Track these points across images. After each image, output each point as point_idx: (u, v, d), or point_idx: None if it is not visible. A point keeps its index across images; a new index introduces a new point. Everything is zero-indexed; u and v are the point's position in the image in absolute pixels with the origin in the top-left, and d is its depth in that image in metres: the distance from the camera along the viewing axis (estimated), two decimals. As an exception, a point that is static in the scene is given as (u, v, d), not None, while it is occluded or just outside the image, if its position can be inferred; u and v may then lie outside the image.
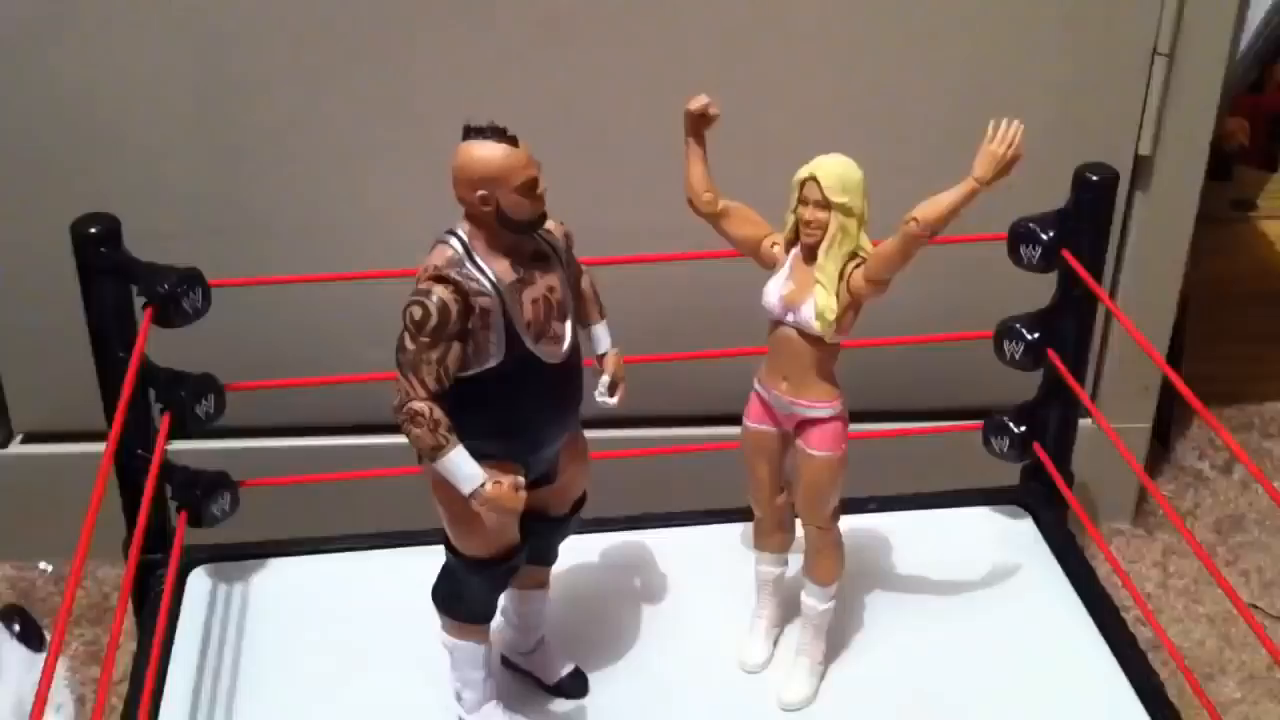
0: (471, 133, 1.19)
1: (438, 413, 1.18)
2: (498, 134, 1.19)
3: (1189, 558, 2.07)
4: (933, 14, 1.77)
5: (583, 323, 1.37)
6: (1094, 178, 1.60)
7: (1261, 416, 2.38)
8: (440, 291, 1.17)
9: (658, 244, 1.61)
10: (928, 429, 1.81)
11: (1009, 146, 1.22)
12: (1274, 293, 2.30)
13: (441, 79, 1.75)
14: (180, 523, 1.54)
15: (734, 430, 1.38)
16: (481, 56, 1.74)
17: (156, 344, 1.47)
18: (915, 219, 1.24)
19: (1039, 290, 1.60)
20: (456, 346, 1.19)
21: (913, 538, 1.62)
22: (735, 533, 1.61)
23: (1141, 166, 1.88)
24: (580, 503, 1.41)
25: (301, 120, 1.78)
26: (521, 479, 1.22)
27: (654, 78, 1.74)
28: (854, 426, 1.32)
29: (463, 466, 1.19)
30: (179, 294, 1.43)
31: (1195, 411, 1.32)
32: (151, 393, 1.47)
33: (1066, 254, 1.57)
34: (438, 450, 1.18)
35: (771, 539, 1.43)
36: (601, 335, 1.38)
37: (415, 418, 1.18)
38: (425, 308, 1.17)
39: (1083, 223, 1.60)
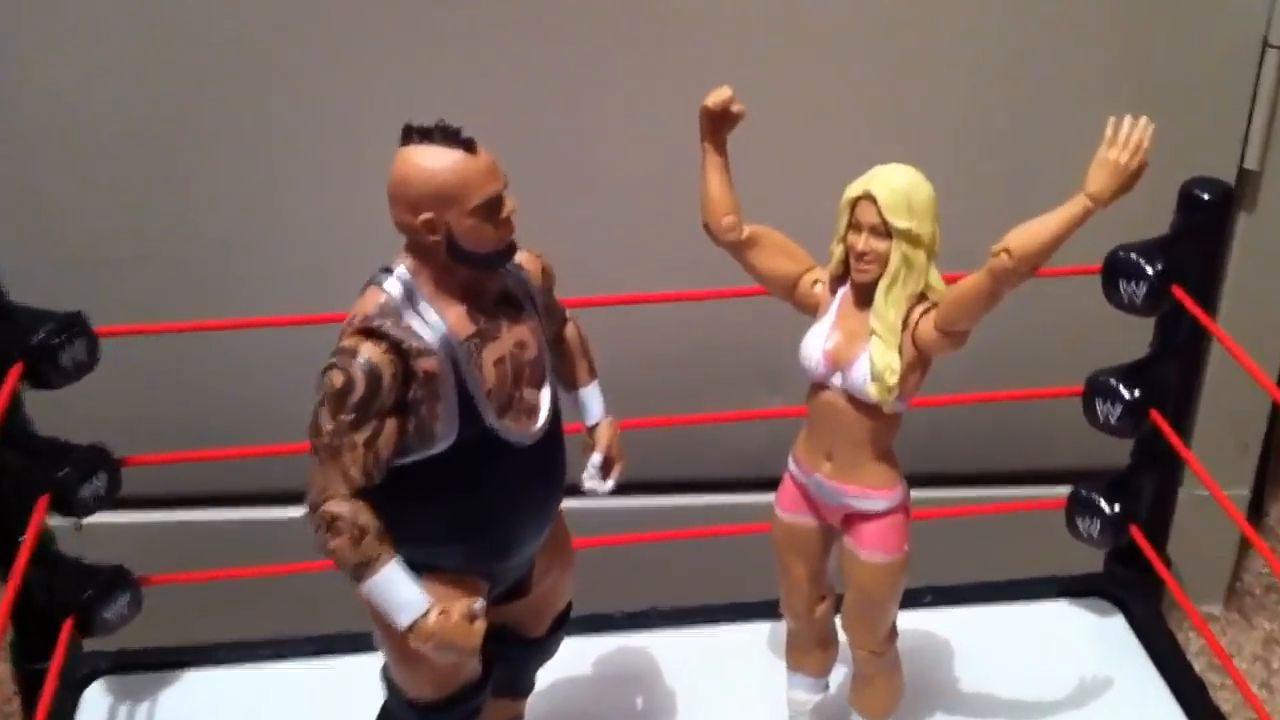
0: (414, 135, 0.91)
1: (364, 516, 0.92)
2: (448, 137, 0.91)
3: None
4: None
5: (567, 385, 1.11)
6: (1205, 196, 1.36)
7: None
8: (369, 351, 0.90)
9: (663, 279, 1.40)
10: (997, 507, 1.54)
11: (1134, 153, 0.96)
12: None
13: (388, 81, 1.55)
14: (65, 631, 1.30)
15: (764, 500, 1.17)
16: (433, 57, 1.56)
17: (35, 407, 1.27)
18: (1008, 250, 0.98)
19: (1117, 330, 1.39)
20: (391, 425, 0.92)
21: (978, 639, 1.43)
22: (764, 635, 1.41)
23: (1246, 183, 1.66)
24: (563, 619, 1.15)
25: (222, 133, 1.58)
26: (479, 603, 0.97)
27: (656, 70, 1.55)
28: None
29: (397, 591, 0.93)
30: (56, 345, 1.22)
31: None
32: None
33: (1178, 291, 1.27)
34: (363, 569, 0.93)
35: (809, 657, 1.23)
36: (592, 401, 1.12)
37: (332, 523, 0.92)
38: (348, 374, 0.90)
39: (1192, 251, 1.36)
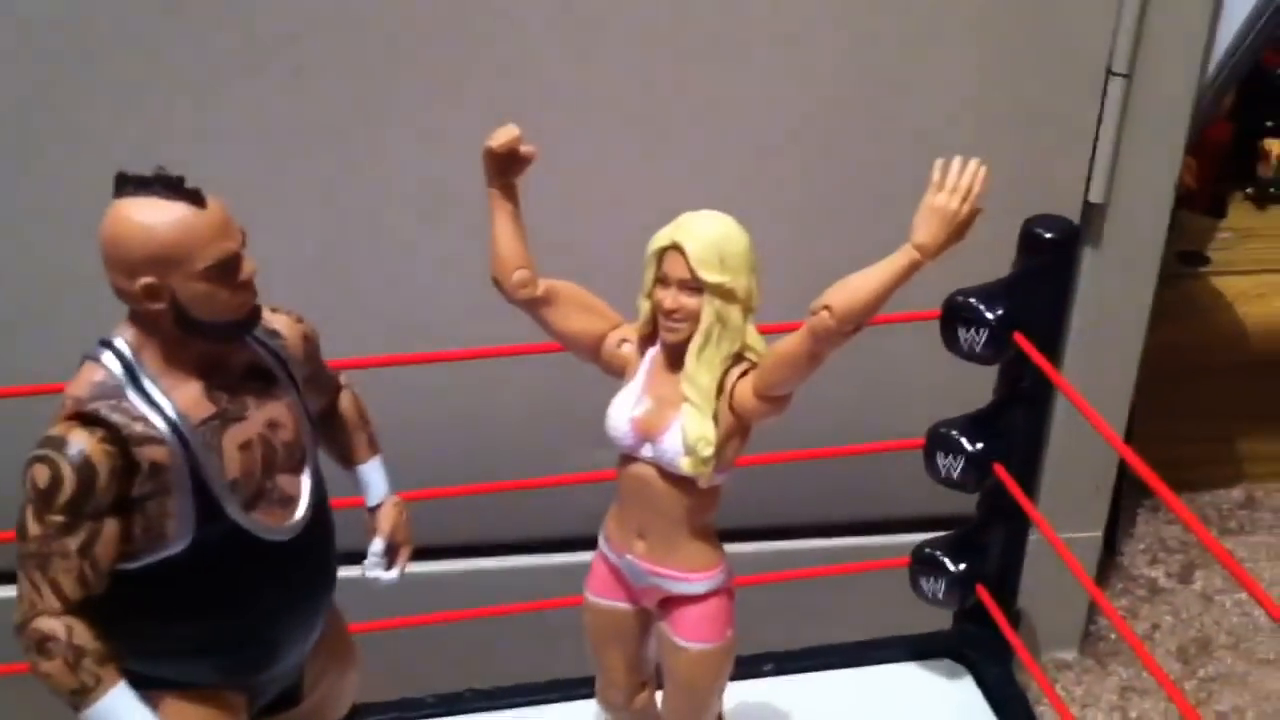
0: (127, 186, 0.76)
1: (81, 635, 0.79)
2: (170, 187, 0.76)
3: (1153, 696, 1.72)
4: (831, 24, 1.44)
5: (344, 462, 0.98)
6: (1048, 235, 1.29)
7: (1218, 508, 2.04)
8: (81, 440, 0.77)
9: (445, 337, 1.24)
10: (838, 568, 1.44)
11: (964, 199, 0.86)
12: (1232, 364, 1.98)
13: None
14: None
15: (582, 560, 1.06)
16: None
17: None
18: (828, 307, 0.87)
19: (963, 373, 1.29)
20: (112, 526, 0.79)
21: (821, 708, 1.35)
22: (591, 714, 1.25)
23: (1092, 217, 1.56)
24: None
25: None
26: None
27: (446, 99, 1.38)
28: (734, 551, 1.02)
29: (123, 717, 0.79)
30: None
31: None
32: None
33: (1020, 339, 1.18)
34: (83, 695, 0.80)
35: None
36: (373, 478, 1.00)
37: (44, 644, 0.78)
38: (56, 469, 0.77)
39: (1035, 294, 1.28)
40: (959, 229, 0.86)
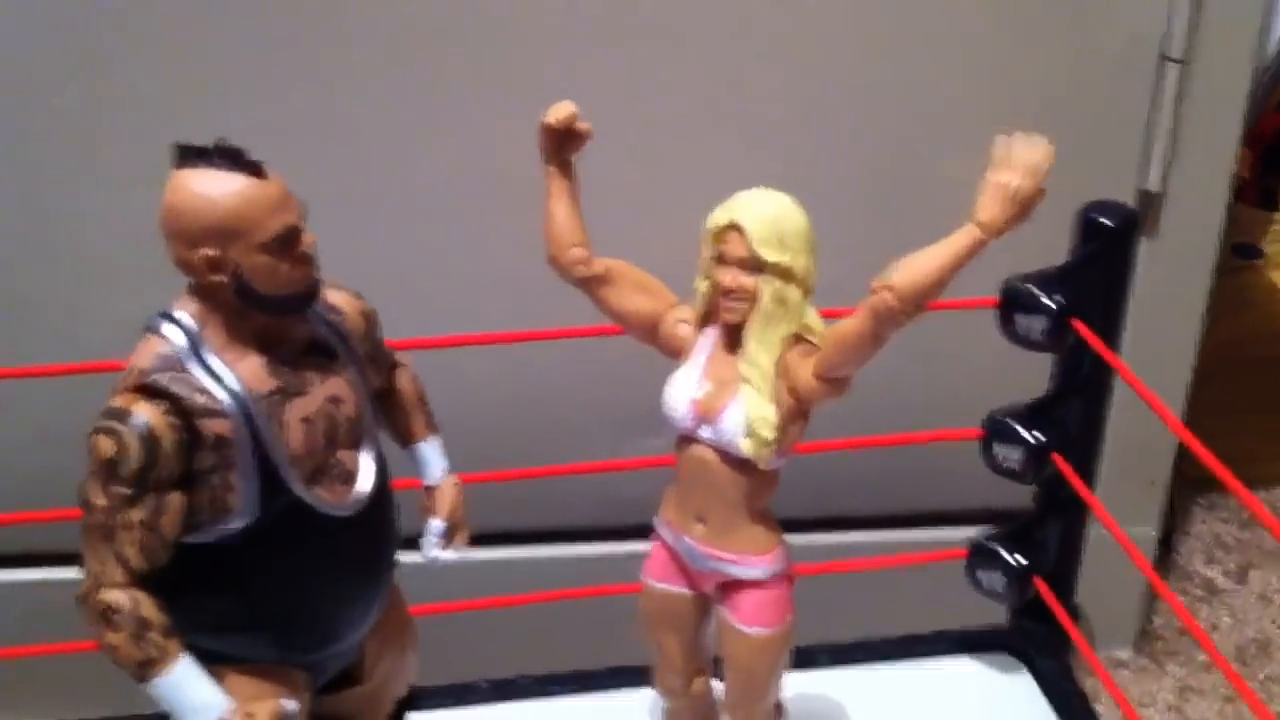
0: (188, 157, 0.76)
1: (146, 608, 0.79)
2: (230, 159, 0.76)
3: (1210, 697, 1.71)
4: (890, 11, 1.45)
5: (401, 441, 0.98)
6: (1106, 222, 1.26)
7: (1273, 506, 2.03)
8: (145, 412, 0.78)
9: (504, 317, 1.25)
10: (893, 559, 1.43)
11: (1029, 176, 0.84)
12: (1288, 358, 1.96)
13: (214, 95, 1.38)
14: None
15: (639, 549, 1.05)
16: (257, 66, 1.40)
17: None
18: (890, 286, 0.86)
19: (1018, 361, 1.28)
20: (176, 499, 0.79)
21: (876, 700, 1.33)
22: (645, 702, 1.24)
23: (1148, 205, 1.57)
24: (405, 704, 1.03)
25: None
26: (290, 703, 0.84)
27: (497, 84, 1.41)
28: (791, 541, 1.01)
29: (188, 693, 0.80)
30: None
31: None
32: None
33: (1078, 325, 1.16)
34: (147, 669, 0.80)
35: None
36: (431, 458, 1.00)
37: (109, 615, 0.78)
38: (120, 440, 0.77)
39: (1093, 282, 1.26)
40: (1024, 207, 0.84)
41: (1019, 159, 0.84)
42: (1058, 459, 1.27)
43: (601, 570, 1.34)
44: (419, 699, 1.09)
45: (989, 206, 0.84)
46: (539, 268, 0.97)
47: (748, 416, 0.91)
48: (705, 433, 0.94)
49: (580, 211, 0.94)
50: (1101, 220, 1.25)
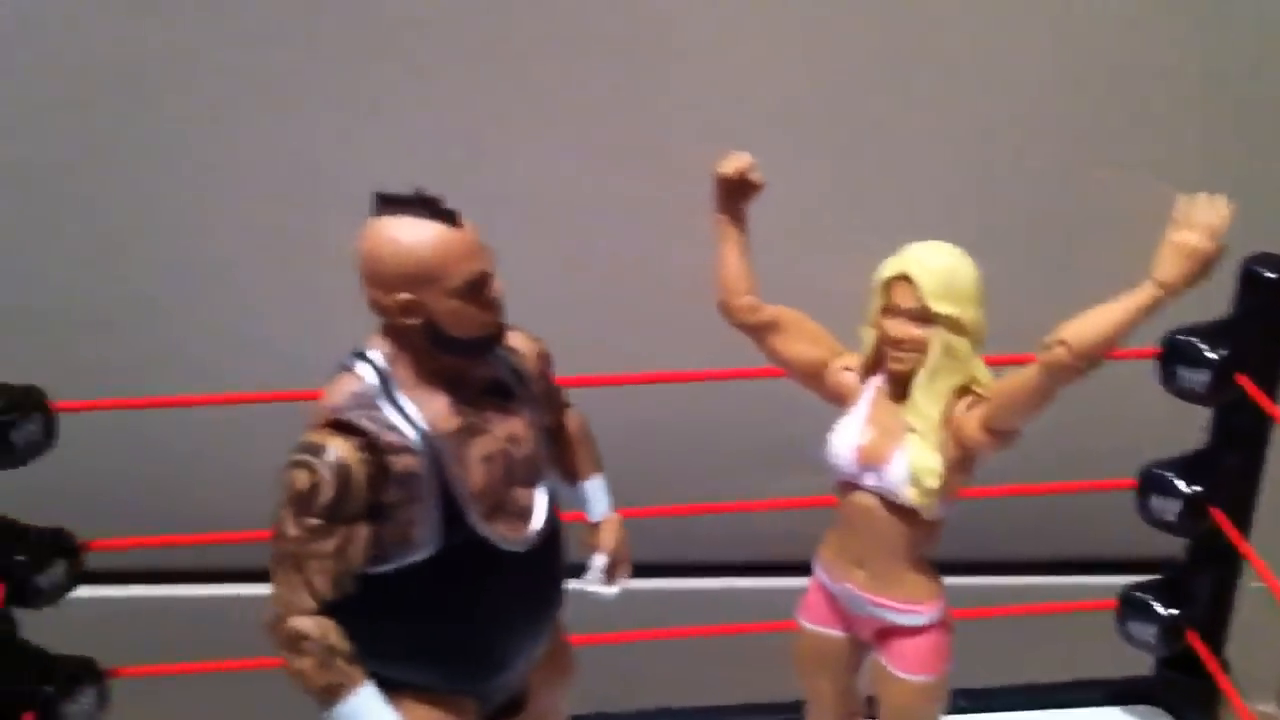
0: (387, 205, 0.79)
1: (333, 636, 0.82)
2: (427, 207, 0.79)
3: None
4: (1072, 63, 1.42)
5: (568, 479, 1.00)
6: (1269, 275, 1.23)
7: None
8: (339, 447, 0.80)
9: (668, 357, 1.26)
10: (1042, 606, 1.40)
11: (1209, 237, 0.85)
12: None
13: (354, 137, 1.40)
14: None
15: (782, 586, 1.07)
16: (405, 109, 1.41)
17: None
18: (1065, 342, 0.86)
19: (1163, 414, 1.26)
20: (364, 531, 0.82)
21: None
22: None
23: None
24: None
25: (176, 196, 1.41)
26: None
27: (655, 135, 1.41)
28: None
29: (369, 716, 0.83)
30: (7, 423, 1.09)
31: None
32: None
33: (1243, 380, 1.15)
34: (332, 693, 0.82)
35: None
36: (596, 496, 1.01)
37: (297, 642, 0.81)
38: (314, 473, 0.80)
39: (1257, 335, 1.24)
40: (1203, 267, 0.84)
41: (1200, 219, 0.85)
42: (1215, 512, 1.25)
43: (745, 604, 1.34)
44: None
45: (1169, 266, 0.84)
46: (698, 308, 0.99)
47: (913, 465, 0.92)
48: (869, 480, 0.95)
49: (749, 260, 0.95)
50: (1264, 273, 1.23)
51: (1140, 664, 1.41)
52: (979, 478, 1.24)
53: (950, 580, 1.45)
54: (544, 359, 0.92)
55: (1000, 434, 0.91)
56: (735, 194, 0.94)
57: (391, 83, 1.38)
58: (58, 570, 1.15)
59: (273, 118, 1.40)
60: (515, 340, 0.90)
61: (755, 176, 0.93)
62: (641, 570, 1.30)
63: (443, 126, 1.40)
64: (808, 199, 1.41)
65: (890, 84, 1.43)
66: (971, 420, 0.91)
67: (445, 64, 1.38)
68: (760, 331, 0.97)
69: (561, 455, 0.98)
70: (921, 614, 0.97)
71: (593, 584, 0.99)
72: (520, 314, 0.91)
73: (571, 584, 0.96)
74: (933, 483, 0.91)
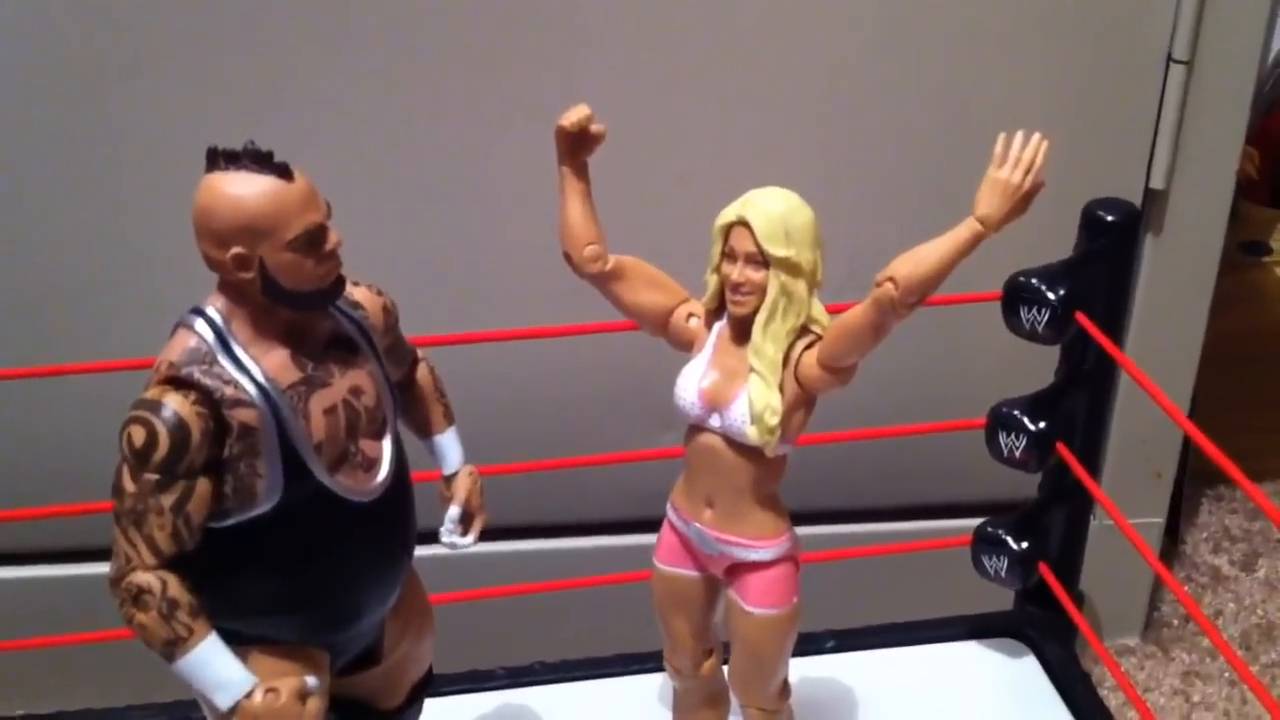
0: (219, 159, 0.79)
1: (175, 589, 0.82)
2: (259, 161, 0.80)
3: (1216, 682, 1.72)
4: (902, 11, 1.46)
5: (420, 432, 1.01)
6: (1109, 218, 1.30)
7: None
8: (175, 403, 0.80)
9: (520, 313, 1.27)
10: (900, 546, 1.44)
11: (1028, 171, 0.87)
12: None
13: (258, 104, 1.41)
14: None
15: (647, 540, 1.08)
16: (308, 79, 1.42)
17: None
18: (893, 279, 0.89)
19: (1021, 357, 1.31)
20: (204, 485, 0.82)
21: (883, 684, 1.35)
22: (656, 687, 1.30)
23: (1153, 203, 1.57)
24: (421, 686, 1.04)
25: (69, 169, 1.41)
26: (312, 680, 0.87)
27: (525, 88, 1.42)
28: (800, 532, 1.04)
29: (214, 669, 0.83)
30: None
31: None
32: None
33: (1082, 318, 1.18)
34: (174, 647, 0.82)
35: (697, 716, 1.13)
36: (448, 449, 1.02)
37: (139, 597, 0.82)
38: (151, 429, 0.80)
39: (1097, 276, 1.29)
40: (1021, 202, 0.88)
41: (1018, 156, 0.88)
42: (1062, 448, 1.29)
43: (618, 562, 1.36)
44: (436, 685, 1.11)
45: (988, 201, 0.88)
46: (555, 264, 1.00)
47: (754, 405, 0.94)
48: (714, 421, 0.97)
49: (594, 210, 0.97)
50: (1104, 216, 1.28)
51: (1005, 603, 1.45)
52: (840, 426, 1.27)
53: (817, 529, 1.49)
54: (389, 313, 0.93)
55: (836, 370, 0.93)
56: (576, 146, 0.95)
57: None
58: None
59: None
60: (359, 294, 0.91)
61: (596, 128, 0.94)
62: (507, 531, 1.31)
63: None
64: (657, 149, 1.44)
65: (747, 36, 1.45)
66: (810, 358, 0.94)
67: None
68: (605, 280, 0.98)
69: (413, 408, 0.99)
70: (768, 549, 1.00)
71: (448, 535, 1.00)
72: (376, 274, 0.91)
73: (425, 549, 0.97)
74: (773, 420, 0.94)
